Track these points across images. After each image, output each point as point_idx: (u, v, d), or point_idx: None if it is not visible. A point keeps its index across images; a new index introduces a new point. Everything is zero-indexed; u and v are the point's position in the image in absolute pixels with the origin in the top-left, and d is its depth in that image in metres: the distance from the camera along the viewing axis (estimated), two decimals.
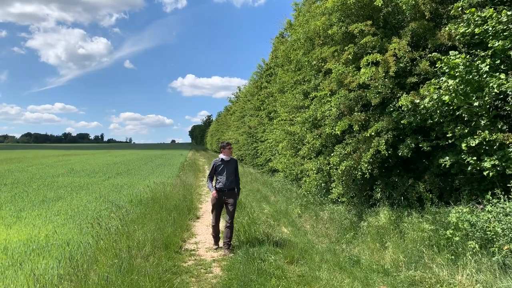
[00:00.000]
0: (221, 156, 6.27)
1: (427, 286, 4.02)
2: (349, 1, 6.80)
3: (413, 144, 6.14)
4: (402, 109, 5.89)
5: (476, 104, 5.06)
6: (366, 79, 6.11)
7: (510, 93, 4.89)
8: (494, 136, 4.78)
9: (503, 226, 4.48)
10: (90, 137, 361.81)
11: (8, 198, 10.23)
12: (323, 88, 7.21)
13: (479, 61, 5.24)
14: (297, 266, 4.85)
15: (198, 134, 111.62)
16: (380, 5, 6.39)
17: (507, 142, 3.85)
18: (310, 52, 7.80)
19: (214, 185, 6.26)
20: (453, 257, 4.58)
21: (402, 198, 6.34)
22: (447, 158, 5.75)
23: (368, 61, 6.12)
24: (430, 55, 5.68)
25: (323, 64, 7.47)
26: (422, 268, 4.43)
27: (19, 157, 37.63)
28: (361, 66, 6.13)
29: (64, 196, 10.78)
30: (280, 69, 10.54)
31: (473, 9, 5.29)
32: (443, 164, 5.73)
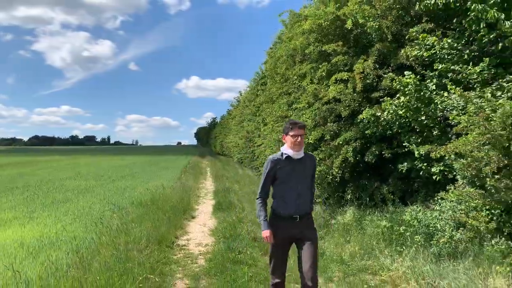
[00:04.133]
0: (285, 150, 3.27)
1: (372, 271, 4.83)
2: (324, 23, 7.64)
3: (377, 152, 6.97)
4: (366, 121, 6.71)
5: (423, 118, 5.88)
6: (335, 95, 6.95)
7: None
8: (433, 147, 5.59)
9: (441, 222, 5.29)
10: (96, 139, 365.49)
11: (21, 200, 11.18)
12: (301, 100, 8.05)
13: (429, 80, 6.09)
14: None
15: (203, 136, 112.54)
16: (350, 28, 7.21)
17: (437, 153, 4.64)
18: (292, 67, 8.65)
19: (272, 212, 3.39)
20: (401, 249, 5.38)
21: (368, 199, 7.16)
22: (405, 164, 6.56)
23: (337, 79, 6.96)
24: (390, 74, 6.50)
25: (302, 79, 8.31)
26: (372, 258, 5.23)
27: (28, 160, 38.82)
28: (329, 84, 6.97)
29: (71, 198, 11.71)
30: (269, 80, 11.40)
31: (425, 35, 6.11)
32: (400, 169, 6.55)
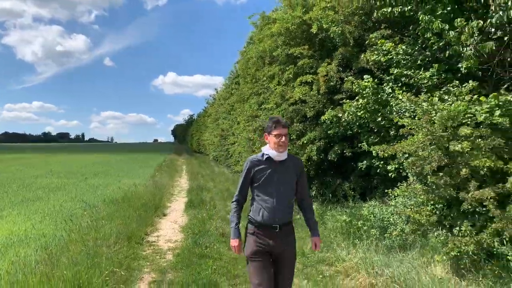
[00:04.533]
0: (267, 151, 3.00)
1: (328, 263, 5.17)
2: (291, 27, 7.95)
3: (339, 151, 7.33)
4: (329, 121, 7.06)
5: (380, 119, 6.26)
6: (300, 96, 7.28)
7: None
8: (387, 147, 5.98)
9: (394, 217, 5.69)
10: (70, 136, 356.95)
11: None
12: (270, 101, 8.35)
13: (385, 84, 6.48)
14: None
15: (181, 133, 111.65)
16: (315, 32, 7.54)
17: (385, 153, 5.01)
18: (261, 68, 8.94)
19: (249, 219, 3.05)
20: (357, 241, 5.75)
21: (331, 195, 7.54)
22: (364, 162, 6.95)
23: (302, 81, 7.29)
24: (350, 77, 6.86)
25: (271, 80, 8.61)
26: (330, 251, 5.58)
27: None
28: (294, 86, 7.29)
29: (42, 196, 11.63)
30: (241, 80, 11.66)
31: (383, 41, 6.50)
32: (360, 167, 6.94)
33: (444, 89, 5.45)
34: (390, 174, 6.17)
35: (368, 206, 6.52)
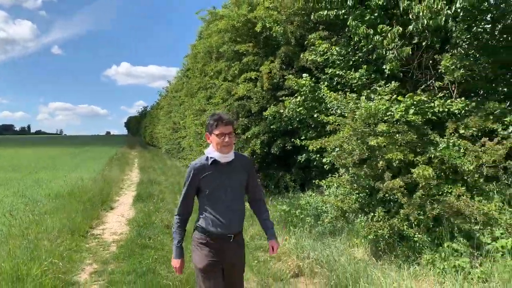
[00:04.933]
0: (211, 153, 2.68)
1: (265, 249, 5.54)
2: (237, 25, 8.20)
3: (281, 144, 7.74)
4: (271, 117, 7.43)
5: (316, 115, 6.70)
6: (244, 93, 7.58)
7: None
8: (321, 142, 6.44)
9: (326, 205, 6.16)
10: (15, 128, 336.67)
11: None
12: (217, 96, 8.59)
13: (322, 82, 6.92)
14: None
15: (134, 125, 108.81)
16: (259, 30, 7.85)
17: (314, 147, 5.44)
18: (209, 63, 9.15)
19: (197, 231, 2.75)
20: (294, 229, 6.17)
21: (273, 186, 7.95)
22: (304, 155, 7.40)
23: (246, 78, 7.59)
24: (290, 76, 7.24)
25: (218, 75, 8.85)
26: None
27: None
28: (239, 82, 7.59)
29: None
30: (191, 73, 11.79)
31: (320, 41, 6.93)
32: (299, 160, 7.39)
33: (372, 88, 5.97)
34: (325, 166, 6.64)
35: (306, 196, 6.99)
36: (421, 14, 4.64)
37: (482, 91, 5.29)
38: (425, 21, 4.85)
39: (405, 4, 5.03)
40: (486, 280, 3.51)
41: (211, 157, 2.64)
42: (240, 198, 2.72)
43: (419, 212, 4.36)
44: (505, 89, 5.13)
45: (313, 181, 7.68)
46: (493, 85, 5.13)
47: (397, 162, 4.43)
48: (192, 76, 11.24)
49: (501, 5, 4.29)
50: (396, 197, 4.51)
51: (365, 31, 5.42)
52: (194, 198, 2.74)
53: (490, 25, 4.73)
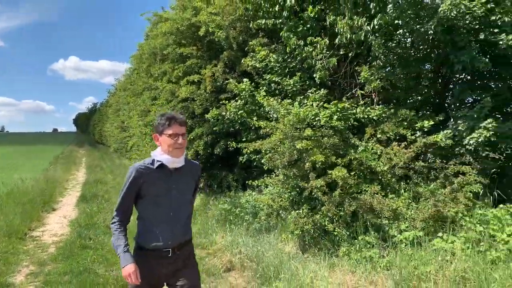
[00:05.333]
0: (159, 156, 2.40)
1: (203, 246, 5.82)
2: (181, 28, 8.38)
3: (224, 145, 8.04)
4: (215, 119, 7.70)
5: (255, 119, 7.06)
6: (187, 95, 7.80)
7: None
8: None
9: (264, 204, 6.53)
10: None
11: None
12: (161, 97, 8.73)
13: (261, 87, 7.28)
14: None
15: (83, 122, 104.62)
16: (202, 35, 8.08)
17: (247, 149, 5.81)
18: (154, 64, 9.25)
19: (135, 243, 2.48)
20: (233, 227, 6.50)
21: (216, 186, 8.24)
22: (245, 156, 7.74)
23: (188, 81, 7.81)
24: (230, 80, 7.55)
25: (163, 76, 8.98)
26: (208, 236, 6.25)
27: None
28: (182, 85, 7.79)
29: None
30: (136, 73, 11.79)
31: (259, 48, 7.28)
32: (240, 160, 7.73)
33: (306, 95, 6.41)
34: (264, 167, 7.02)
35: (246, 195, 7.34)
36: (342, 29, 5.11)
37: (400, 99, 5.87)
38: (348, 35, 5.34)
39: (331, 19, 5.50)
40: (389, 268, 4.02)
41: (158, 161, 2.35)
42: (186, 207, 2.47)
43: (339, 208, 4.84)
44: (419, 98, 5.75)
45: (252, 181, 8.11)
46: (408, 94, 5.72)
47: (319, 164, 4.87)
48: (137, 76, 11.25)
49: (411, 25, 4.84)
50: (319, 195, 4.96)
51: (296, 42, 5.84)
52: (133, 203, 2.42)
53: (403, 40, 5.30)
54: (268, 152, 5.64)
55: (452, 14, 4.34)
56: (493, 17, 4.34)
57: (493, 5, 4.32)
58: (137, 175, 2.33)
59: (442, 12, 4.40)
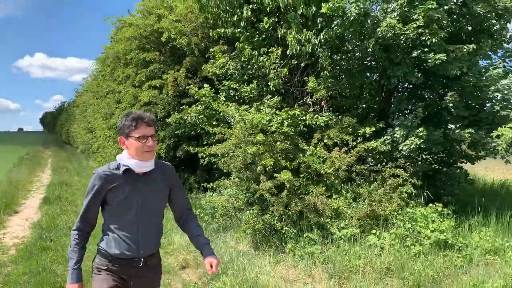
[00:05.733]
0: (125, 160, 2.19)
1: (162, 247, 6.07)
2: (144, 33, 8.59)
3: (186, 148, 8.31)
4: (177, 122, 7.96)
5: (215, 123, 7.38)
6: (149, 99, 8.03)
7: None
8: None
9: (218, 205, 6.86)
10: None
11: None
12: (124, 100, 8.90)
13: (220, 93, 7.61)
14: None
15: (50, 122, 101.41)
16: (164, 40, 8.32)
17: (204, 154, 6.13)
18: (117, 69, 9.40)
19: (99, 253, 2.31)
20: None
21: None
22: (206, 158, 8.05)
23: (151, 85, 8.04)
24: (191, 86, 7.82)
25: (126, 80, 9.15)
26: (167, 237, 6.51)
27: None
28: (144, 89, 8.02)
29: None
30: (101, 76, 11.87)
31: (219, 55, 7.60)
32: (201, 163, 8.03)
33: (262, 101, 6.79)
34: (224, 169, 7.36)
35: (207, 197, 7.64)
36: (291, 42, 5.52)
37: (346, 107, 6.34)
38: (298, 47, 5.75)
39: (281, 32, 5.90)
40: (327, 262, 4.44)
41: (124, 165, 2.16)
42: (157, 218, 2.31)
43: (288, 209, 5.24)
44: (364, 106, 6.23)
45: (207, 183, 8.43)
46: (353, 102, 6.20)
47: (269, 167, 5.25)
48: (102, 79, 11.34)
49: (354, 41, 5.30)
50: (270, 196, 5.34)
51: (250, 53, 6.21)
52: (98, 212, 2.26)
53: (347, 53, 5.75)
54: (223, 156, 5.97)
55: (388, 35, 4.80)
56: (423, 38, 4.84)
57: (423, 29, 4.82)
58: (101, 182, 2.15)
59: (379, 32, 4.87)
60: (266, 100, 6.66)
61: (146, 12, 9.07)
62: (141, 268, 2.24)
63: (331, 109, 6.46)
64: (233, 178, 6.30)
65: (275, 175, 5.15)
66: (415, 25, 4.76)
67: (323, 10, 4.87)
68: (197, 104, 7.44)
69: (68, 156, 28.41)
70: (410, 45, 4.96)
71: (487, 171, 12.67)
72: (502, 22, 5.28)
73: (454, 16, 5.15)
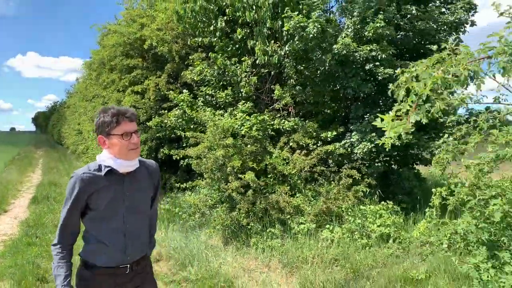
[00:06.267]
0: (106, 161, 2.00)
1: None
2: (127, 41, 9.04)
3: (167, 151, 8.77)
4: (158, 126, 8.42)
5: (193, 126, 7.85)
6: (131, 103, 8.48)
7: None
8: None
9: (191, 204, 7.32)
10: None
11: None
12: (109, 104, 9.33)
13: (199, 98, 8.08)
14: None
15: (43, 122, 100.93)
16: (147, 48, 8.78)
17: (178, 156, 6.59)
18: (102, 74, 9.85)
19: (83, 263, 2.10)
20: (170, 224, 7.26)
21: (161, 188, 8.97)
22: (186, 160, 8.52)
23: (133, 91, 8.50)
24: (171, 91, 8.28)
25: (111, 85, 9.60)
26: None
27: None
28: (126, 94, 8.47)
29: None
30: (89, 80, 12.29)
31: (198, 62, 8.07)
32: (181, 164, 8.50)
33: (235, 106, 7.27)
34: (196, 171, 7.83)
35: (186, 196, 8.11)
36: (257, 54, 6.01)
37: (312, 113, 6.85)
38: (266, 58, 6.25)
39: (251, 44, 6.39)
40: (284, 254, 4.93)
41: (106, 166, 1.98)
42: (144, 221, 2.15)
43: (254, 206, 5.73)
44: (328, 112, 6.74)
45: (180, 183, 8.90)
46: (318, 109, 6.70)
47: (236, 168, 5.73)
48: (89, 82, 11.76)
49: (314, 54, 5.80)
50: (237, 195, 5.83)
51: (222, 62, 6.69)
52: (80, 221, 2.04)
53: (310, 64, 6.25)
54: (197, 158, 6.45)
55: (343, 52, 5.31)
56: (374, 53, 5.35)
57: (374, 45, 5.33)
58: (82, 185, 1.93)
59: (335, 49, 5.37)
60: (239, 106, 7.14)
61: (130, 20, 9.51)
62: (128, 275, 2.05)
63: (300, 114, 6.96)
64: (206, 179, 6.78)
65: (240, 176, 5.64)
66: (368, 48, 5.27)
67: (285, 28, 5.37)
68: (176, 108, 7.92)
69: (60, 156, 28.68)
70: (364, 59, 5.47)
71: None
72: (443, 36, 5.77)
73: (402, 33, 5.66)
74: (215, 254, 5.12)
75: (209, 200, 6.21)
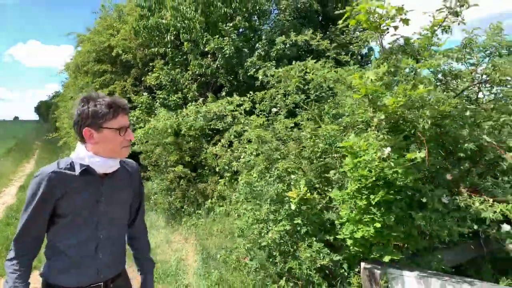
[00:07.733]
0: (82, 159, 1.67)
1: None
2: (97, 48, 10.28)
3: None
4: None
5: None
6: None
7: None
8: None
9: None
10: None
11: None
12: None
13: (157, 100, 9.32)
14: None
15: (45, 111, 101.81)
16: (115, 55, 10.01)
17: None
18: (78, 77, 11.11)
19: (45, 283, 1.74)
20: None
21: None
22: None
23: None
24: (131, 94, 9.52)
25: (85, 87, 10.86)
26: None
27: None
28: None
29: None
30: (70, 79, 13.54)
31: (157, 68, 9.30)
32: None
33: (185, 107, 8.52)
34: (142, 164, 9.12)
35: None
36: (192, 67, 7.24)
37: None
38: (201, 70, 7.49)
39: (190, 58, 7.62)
40: (201, 229, 6.24)
41: (81, 165, 1.68)
42: (121, 227, 1.89)
43: (188, 193, 7.03)
44: None
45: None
46: None
47: (173, 162, 7.03)
48: (71, 83, 13.00)
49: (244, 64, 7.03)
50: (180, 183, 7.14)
51: (167, 72, 7.93)
52: (44, 230, 1.73)
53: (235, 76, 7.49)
54: (145, 153, 7.76)
55: (252, 68, 6.53)
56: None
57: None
58: (49, 185, 1.62)
59: (245, 66, 6.58)
60: (187, 107, 8.39)
61: (103, 29, 10.73)
62: None
63: None
64: (150, 171, 8.10)
65: (173, 169, 6.94)
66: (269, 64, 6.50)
67: (207, 48, 6.61)
68: (137, 109, 9.19)
69: (55, 148, 29.94)
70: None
71: None
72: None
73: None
74: (158, 232, 6.45)
75: (155, 188, 7.52)
